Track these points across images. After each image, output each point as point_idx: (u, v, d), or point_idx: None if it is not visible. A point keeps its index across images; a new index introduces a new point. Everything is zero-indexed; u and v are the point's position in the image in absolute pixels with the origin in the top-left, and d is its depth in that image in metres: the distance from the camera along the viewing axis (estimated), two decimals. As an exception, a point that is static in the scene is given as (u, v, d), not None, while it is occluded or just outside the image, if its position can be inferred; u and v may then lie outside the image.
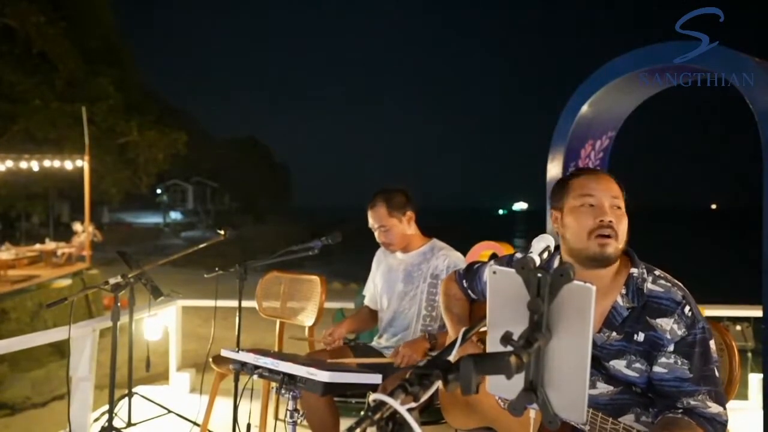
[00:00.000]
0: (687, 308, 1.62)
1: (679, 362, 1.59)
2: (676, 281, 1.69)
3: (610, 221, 1.64)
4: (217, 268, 2.81)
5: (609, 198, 1.68)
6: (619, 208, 1.68)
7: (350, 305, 4.44)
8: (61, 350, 9.82)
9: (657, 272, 1.70)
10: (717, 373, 1.61)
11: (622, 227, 1.66)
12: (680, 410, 1.57)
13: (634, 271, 1.69)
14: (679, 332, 1.60)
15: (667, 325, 1.61)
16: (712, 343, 1.63)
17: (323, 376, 1.93)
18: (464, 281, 2.19)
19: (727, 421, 1.58)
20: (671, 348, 1.60)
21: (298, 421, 2.16)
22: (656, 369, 1.62)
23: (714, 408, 1.56)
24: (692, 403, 1.57)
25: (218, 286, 2.89)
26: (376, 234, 2.85)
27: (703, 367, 1.59)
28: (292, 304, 3.45)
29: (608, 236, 1.63)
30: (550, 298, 1.00)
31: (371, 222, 2.84)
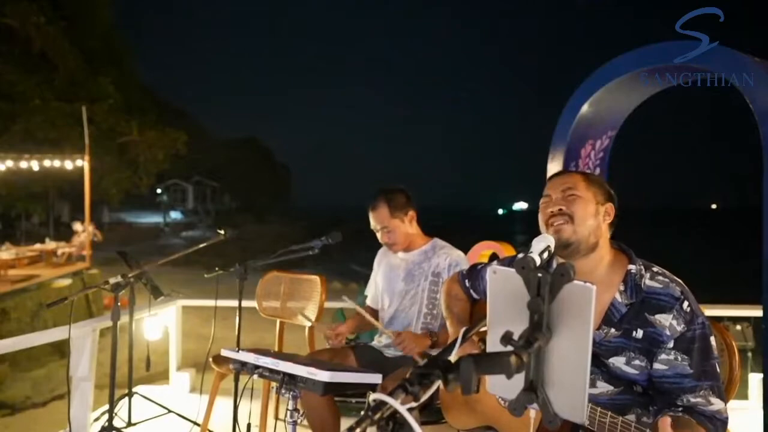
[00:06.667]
0: (686, 304, 1.63)
1: (680, 358, 1.59)
2: (675, 277, 1.69)
3: (560, 209, 1.69)
4: (217, 268, 2.81)
5: (560, 190, 1.73)
6: (572, 195, 1.71)
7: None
8: (61, 350, 9.82)
9: (655, 268, 1.71)
10: (717, 368, 1.62)
11: (577, 209, 1.69)
12: (680, 408, 1.57)
13: (631, 267, 1.69)
14: (679, 328, 1.61)
15: (666, 321, 1.62)
16: (712, 339, 1.63)
17: (323, 375, 1.93)
18: (467, 281, 2.20)
19: (727, 418, 1.58)
20: (671, 344, 1.61)
21: (298, 420, 2.16)
22: (656, 366, 1.62)
23: (716, 404, 1.56)
24: (693, 400, 1.57)
25: (218, 285, 2.89)
26: (378, 235, 2.85)
27: (704, 362, 1.59)
28: (292, 304, 3.45)
29: (561, 222, 1.68)
30: (550, 298, 1.00)
31: (373, 223, 2.83)
